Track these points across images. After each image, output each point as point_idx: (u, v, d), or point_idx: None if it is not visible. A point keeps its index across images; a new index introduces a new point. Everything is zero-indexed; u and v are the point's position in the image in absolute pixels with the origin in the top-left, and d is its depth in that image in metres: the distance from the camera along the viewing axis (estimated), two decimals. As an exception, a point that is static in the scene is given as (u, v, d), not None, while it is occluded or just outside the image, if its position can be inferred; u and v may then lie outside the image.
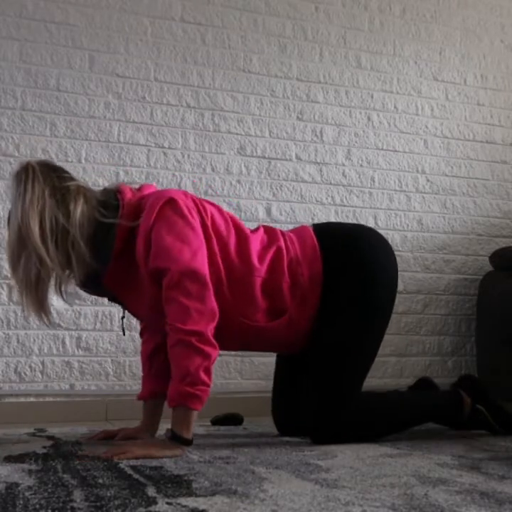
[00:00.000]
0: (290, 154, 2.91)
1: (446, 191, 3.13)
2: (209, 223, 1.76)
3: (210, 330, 1.62)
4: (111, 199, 1.73)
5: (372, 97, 3.05)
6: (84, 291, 1.89)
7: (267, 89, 2.90)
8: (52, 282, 1.69)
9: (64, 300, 1.76)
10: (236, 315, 1.79)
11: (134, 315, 1.93)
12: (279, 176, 2.87)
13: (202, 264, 1.66)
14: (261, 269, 1.81)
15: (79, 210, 1.65)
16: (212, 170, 2.79)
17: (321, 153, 2.95)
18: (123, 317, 1.92)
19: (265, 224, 1.99)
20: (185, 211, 1.69)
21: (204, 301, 1.63)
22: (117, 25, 2.72)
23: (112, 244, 1.69)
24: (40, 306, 1.66)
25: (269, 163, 2.87)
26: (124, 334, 2.02)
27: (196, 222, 1.71)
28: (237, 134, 2.84)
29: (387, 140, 3.06)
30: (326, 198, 2.93)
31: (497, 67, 3.25)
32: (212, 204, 1.85)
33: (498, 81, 3.25)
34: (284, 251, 1.85)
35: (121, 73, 2.71)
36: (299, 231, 1.96)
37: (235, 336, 1.83)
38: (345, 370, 1.87)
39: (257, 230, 1.90)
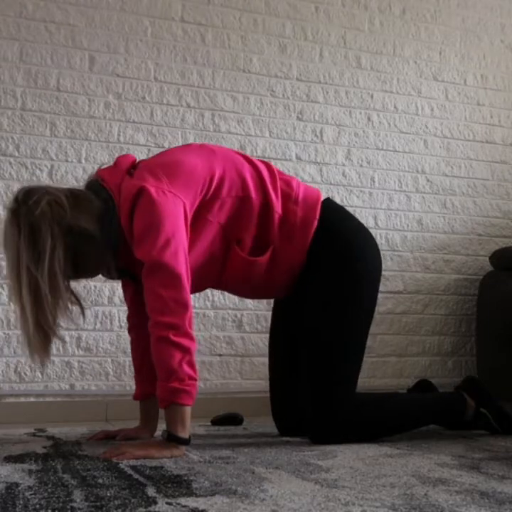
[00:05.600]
0: (290, 154, 2.91)
1: (446, 191, 3.13)
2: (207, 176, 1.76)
3: (187, 320, 1.63)
4: (101, 190, 1.73)
5: (372, 97, 3.05)
6: (108, 278, 1.90)
7: (267, 89, 2.90)
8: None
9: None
10: (232, 240, 1.80)
11: None
12: (279, 176, 2.87)
13: (174, 253, 1.64)
14: (259, 193, 1.83)
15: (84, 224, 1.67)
16: (212, 170, 2.79)
17: (321, 153, 2.95)
18: None
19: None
20: (158, 198, 1.66)
21: (178, 290, 1.63)
22: (117, 25, 2.72)
23: (117, 229, 1.71)
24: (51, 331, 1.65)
25: (269, 163, 2.87)
26: None
27: (169, 205, 1.67)
28: (237, 134, 2.84)
29: (387, 140, 3.06)
30: (326, 198, 2.93)
31: (497, 67, 3.25)
32: (199, 148, 1.86)
33: (498, 81, 3.25)
34: (278, 185, 1.87)
35: (121, 73, 2.72)
36: (311, 187, 1.98)
37: (232, 272, 1.84)
38: (336, 353, 1.85)
39: (255, 159, 1.92)
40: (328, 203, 1.96)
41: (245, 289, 2.00)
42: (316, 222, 1.88)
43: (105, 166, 1.82)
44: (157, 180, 1.69)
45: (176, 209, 1.68)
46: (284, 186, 1.89)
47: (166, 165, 1.75)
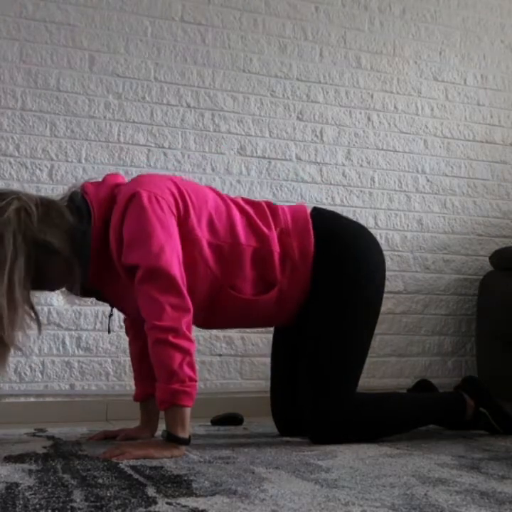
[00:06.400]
0: (290, 154, 2.91)
1: (446, 191, 3.13)
2: (189, 203, 1.74)
3: (185, 323, 1.61)
4: (81, 203, 1.70)
5: (372, 97, 3.05)
6: (72, 294, 1.83)
7: (267, 89, 2.90)
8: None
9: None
10: (225, 287, 1.79)
11: (122, 311, 1.92)
12: (279, 176, 2.87)
13: (169, 259, 1.63)
14: (250, 239, 1.81)
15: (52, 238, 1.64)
16: (212, 170, 2.79)
17: (321, 153, 2.95)
18: (111, 315, 1.93)
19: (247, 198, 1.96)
20: (152, 205, 1.65)
21: (175, 295, 1.62)
22: (117, 25, 2.72)
23: (89, 245, 1.68)
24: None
25: (269, 163, 2.87)
26: (109, 333, 2.06)
27: (163, 213, 1.66)
28: (237, 134, 2.84)
29: (387, 140, 3.06)
30: (326, 198, 2.93)
31: (497, 67, 3.25)
32: (190, 184, 1.85)
33: (498, 81, 3.25)
34: (271, 222, 1.85)
35: (121, 73, 2.72)
36: (295, 206, 1.96)
37: (226, 311, 1.83)
38: (337, 357, 1.85)
39: (240, 201, 1.90)
40: (316, 214, 1.94)
41: (244, 323, 2.01)
42: (312, 248, 1.86)
43: (93, 181, 1.80)
44: (154, 185, 1.70)
45: (168, 215, 1.68)
46: (274, 220, 1.87)
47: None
